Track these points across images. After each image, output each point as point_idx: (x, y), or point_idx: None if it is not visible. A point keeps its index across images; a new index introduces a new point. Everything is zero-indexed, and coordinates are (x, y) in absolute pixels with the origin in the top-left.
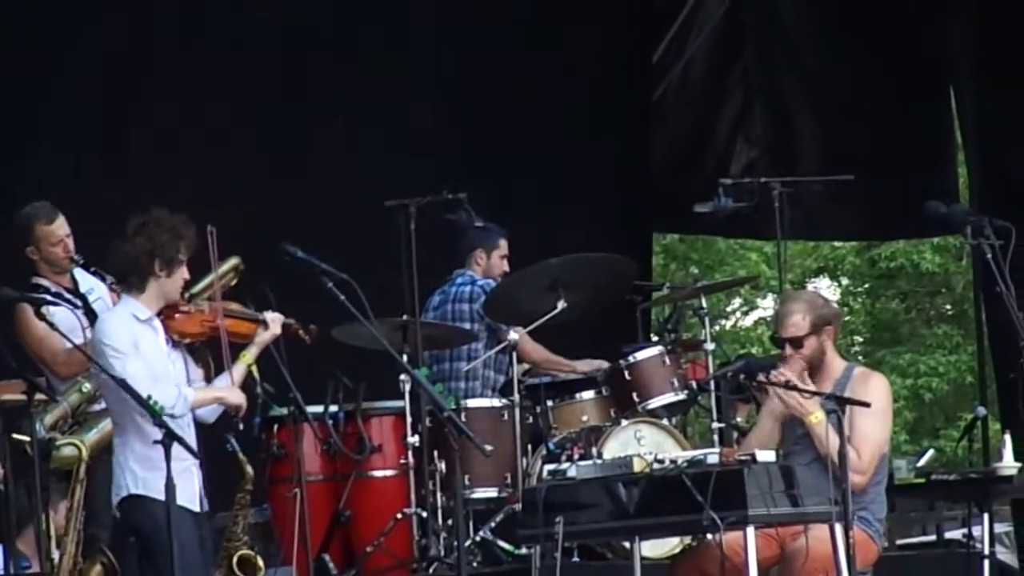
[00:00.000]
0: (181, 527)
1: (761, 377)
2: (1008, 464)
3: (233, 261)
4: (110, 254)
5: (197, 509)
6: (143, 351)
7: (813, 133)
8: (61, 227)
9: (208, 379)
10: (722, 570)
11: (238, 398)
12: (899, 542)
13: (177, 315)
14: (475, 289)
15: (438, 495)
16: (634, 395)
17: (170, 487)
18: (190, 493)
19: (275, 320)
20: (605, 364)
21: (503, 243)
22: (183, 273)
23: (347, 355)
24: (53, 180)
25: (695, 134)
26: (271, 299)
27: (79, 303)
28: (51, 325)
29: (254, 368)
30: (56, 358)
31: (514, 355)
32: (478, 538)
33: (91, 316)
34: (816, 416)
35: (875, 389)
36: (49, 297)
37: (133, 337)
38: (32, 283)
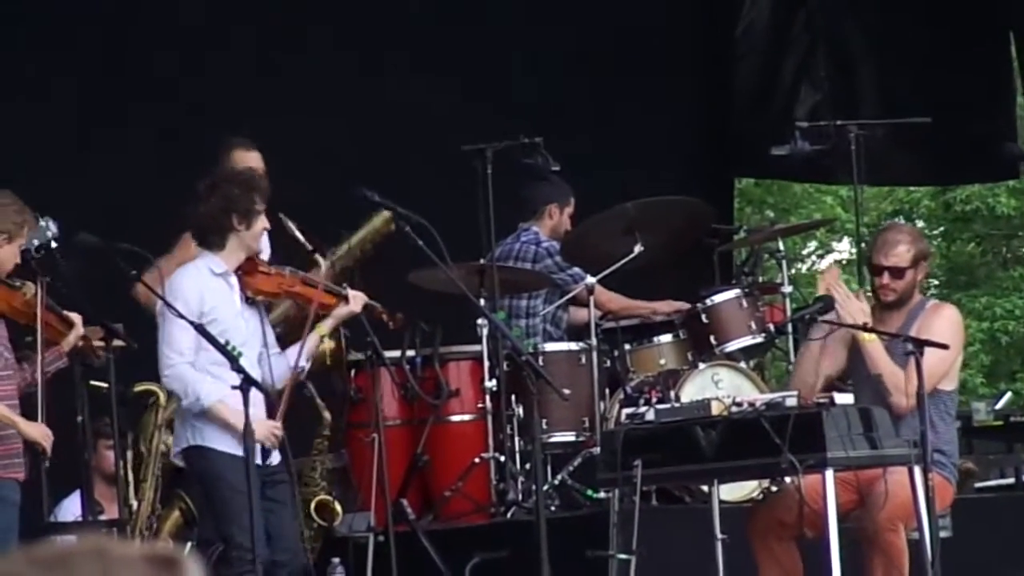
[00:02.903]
0: (238, 475)
1: (837, 318)
2: None
3: (384, 215)
4: (186, 220)
5: (258, 461)
6: (212, 304)
7: (875, 78)
8: (256, 159)
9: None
10: (800, 515)
11: (260, 434)
12: (977, 485)
13: (257, 273)
14: (539, 250)
15: (516, 439)
16: (712, 338)
17: (248, 430)
18: (238, 441)
19: (356, 298)
20: (684, 305)
21: (573, 202)
22: (262, 223)
23: (424, 300)
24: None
25: (762, 79)
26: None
27: None
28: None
29: (328, 343)
30: None
31: (591, 301)
32: (556, 482)
33: None
34: (870, 335)
35: (943, 320)
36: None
37: (201, 294)
38: None
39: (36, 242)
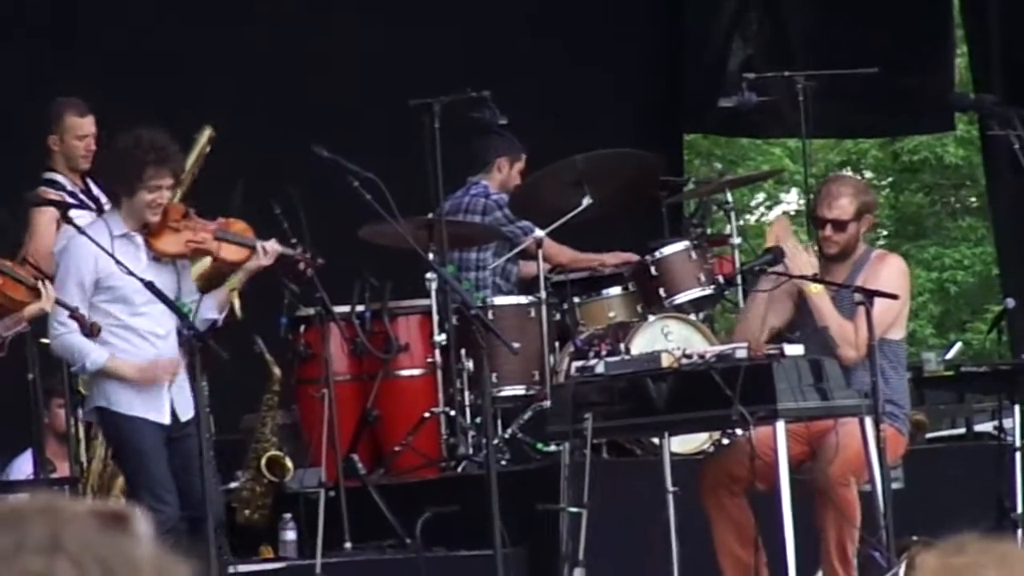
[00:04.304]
0: (143, 438)
1: (785, 270)
2: None
3: (207, 132)
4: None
5: (166, 422)
6: (107, 269)
7: (808, 30)
8: (90, 124)
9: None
10: (751, 468)
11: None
12: (928, 435)
13: (164, 232)
14: (488, 203)
15: (466, 393)
16: (661, 290)
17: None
18: (158, 405)
19: (270, 251)
20: (634, 257)
21: (523, 157)
22: (149, 195)
23: (373, 255)
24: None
25: (701, 32)
26: (294, 200)
27: (93, 207)
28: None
29: (236, 299)
30: None
31: (540, 254)
32: (506, 436)
33: None
34: (815, 287)
35: (890, 269)
36: (72, 200)
37: (95, 260)
38: (45, 177)
39: None
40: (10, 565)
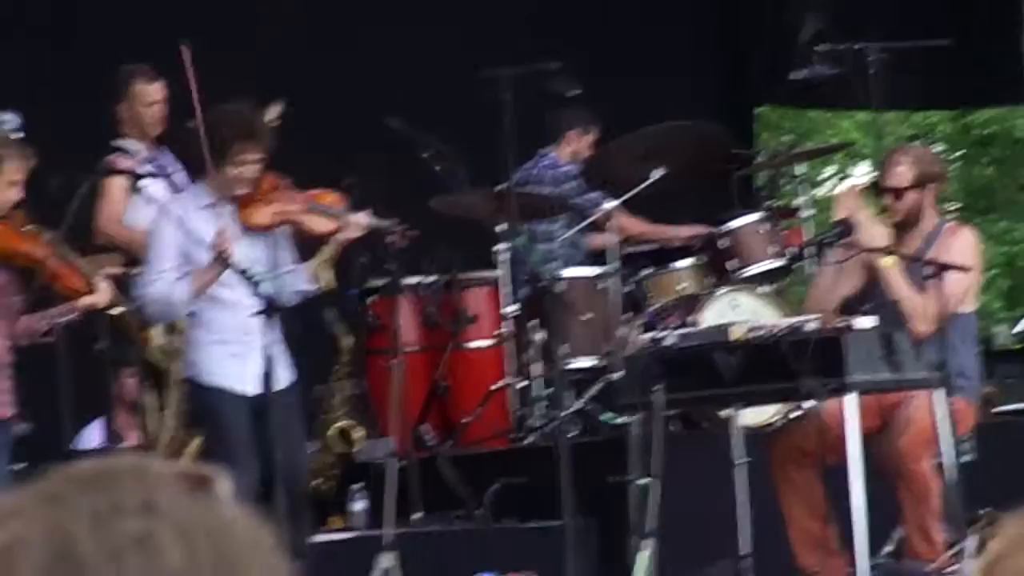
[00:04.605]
0: (224, 409)
1: (855, 241)
2: None
3: (279, 106)
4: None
5: (249, 392)
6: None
7: (880, 2)
8: (159, 90)
9: None
10: (821, 442)
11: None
12: (997, 409)
13: (254, 204)
14: (559, 175)
15: (536, 365)
16: (731, 263)
17: (270, 361)
18: (239, 375)
19: (357, 224)
20: (704, 229)
21: (595, 129)
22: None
23: (444, 226)
24: None
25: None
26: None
27: (164, 175)
28: (147, 198)
29: (327, 271)
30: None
31: (610, 226)
32: (576, 408)
33: (175, 191)
34: (887, 259)
35: (961, 242)
36: (147, 168)
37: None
38: (115, 144)
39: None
40: (106, 527)
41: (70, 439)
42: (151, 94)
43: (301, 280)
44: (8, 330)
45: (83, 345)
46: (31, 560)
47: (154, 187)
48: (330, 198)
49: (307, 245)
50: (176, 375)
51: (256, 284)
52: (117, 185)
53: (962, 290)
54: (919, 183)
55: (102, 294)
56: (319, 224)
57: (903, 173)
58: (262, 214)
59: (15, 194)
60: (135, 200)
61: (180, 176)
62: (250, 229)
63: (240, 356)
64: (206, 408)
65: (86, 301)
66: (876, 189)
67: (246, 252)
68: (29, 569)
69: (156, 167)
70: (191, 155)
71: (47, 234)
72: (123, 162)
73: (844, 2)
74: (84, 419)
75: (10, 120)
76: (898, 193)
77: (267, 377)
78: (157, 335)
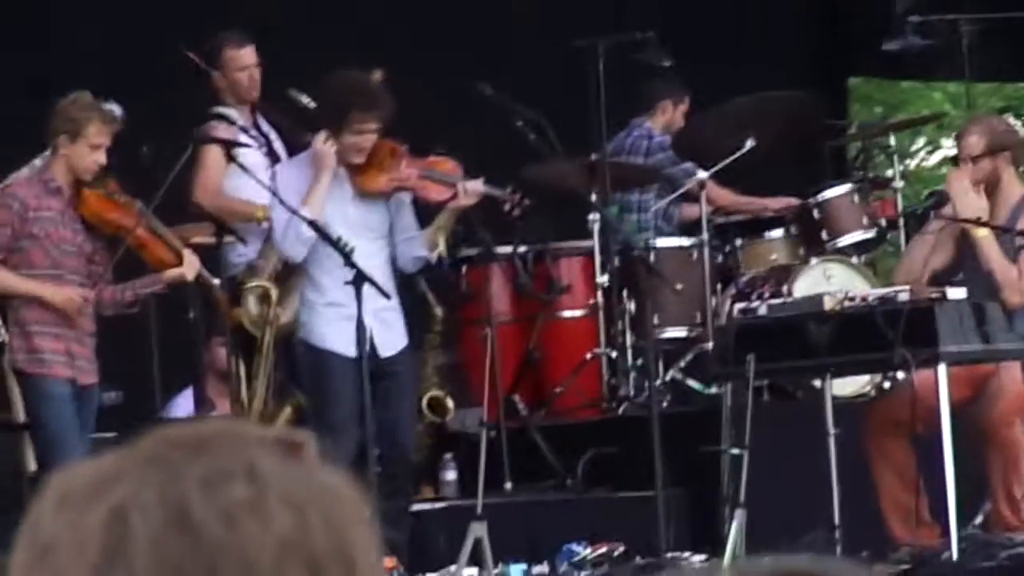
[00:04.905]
0: (330, 371)
1: (947, 211)
2: None
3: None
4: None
5: (351, 354)
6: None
7: None
8: (250, 55)
9: None
10: (914, 411)
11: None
12: None
13: (369, 170)
14: (651, 145)
15: (628, 335)
16: (823, 233)
17: (361, 328)
18: (349, 338)
19: (473, 191)
20: (796, 201)
21: (687, 99)
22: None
23: (537, 195)
24: None
25: None
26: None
27: (263, 142)
28: (243, 168)
29: (442, 239)
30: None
31: (702, 196)
32: (668, 378)
33: (273, 158)
34: (982, 230)
35: None
36: (243, 139)
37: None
38: (214, 111)
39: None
40: (217, 492)
41: (161, 408)
42: (242, 58)
43: (419, 247)
44: (93, 299)
45: (174, 314)
46: (146, 523)
47: (253, 155)
48: (447, 165)
49: (424, 213)
50: (267, 343)
51: (348, 254)
52: (214, 154)
53: None
54: (991, 151)
55: (189, 267)
56: (433, 191)
57: (975, 143)
58: (378, 180)
59: (100, 158)
60: (232, 169)
61: (278, 144)
62: (365, 194)
63: (349, 320)
64: (315, 370)
65: (172, 274)
66: (953, 161)
67: (363, 217)
68: (145, 531)
69: (255, 135)
70: (294, 123)
71: (137, 203)
72: (221, 130)
73: None
74: (175, 388)
75: (113, 110)
76: (972, 161)
77: (371, 342)
78: (250, 304)
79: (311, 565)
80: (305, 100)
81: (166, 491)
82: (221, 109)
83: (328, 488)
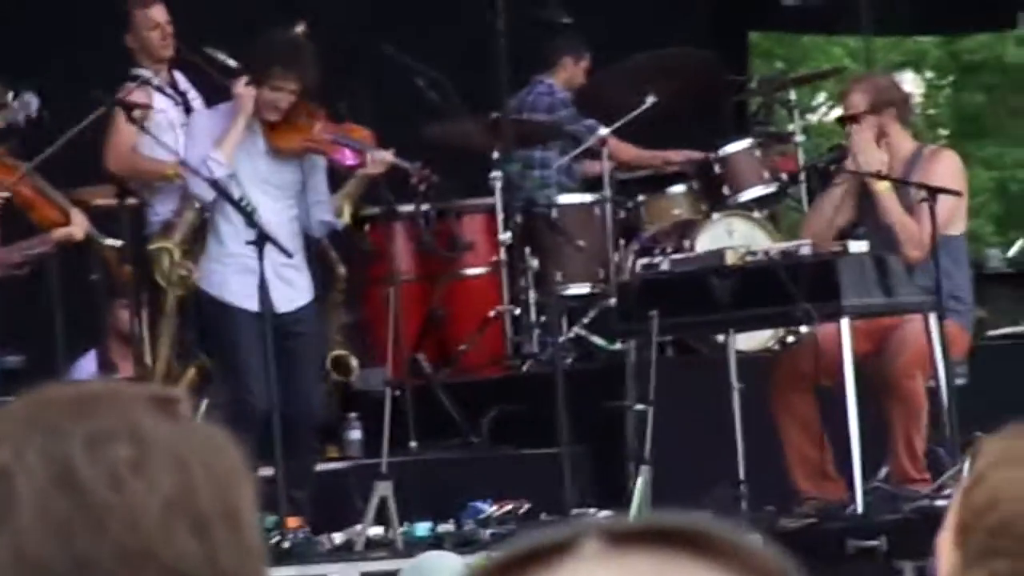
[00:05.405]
0: (236, 326)
1: (850, 165)
2: None
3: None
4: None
5: (255, 308)
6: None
7: None
8: (159, 12)
9: None
10: (817, 364)
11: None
12: (990, 332)
13: (284, 128)
14: (554, 101)
15: (531, 292)
16: (725, 188)
17: (264, 288)
18: (250, 291)
19: (382, 161)
20: (698, 154)
21: (588, 56)
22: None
23: (438, 153)
24: None
25: None
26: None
27: (179, 100)
28: (142, 128)
29: (347, 205)
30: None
31: (604, 152)
32: (572, 334)
33: (188, 114)
34: (883, 184)
35: (945, 164)
36: (159, 98)
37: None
38: (132, 73)
39: (22, 116)
40: (101, 452)
41: (63, 371)
42: (153, 17)
43: (326, 211)
44: None
45: (77, 276)
46: (31, 484)
47: (170, 114)
48: (361, 133)
49: (332, 180)
50: (171, 304)
51: (250, 214)
52: (123, 117)
53: (951, 213)
54: (874, 110)
55: (77, 227)
56: (345, 156)
57: (856, 102)
58: (291, 139)
59: None
60: (152, 127)
61: (198, 103)
62: (278, 152)
63: (253, 273)
64: (216, 323)
65: (60, 233)
66: (838, 121)
67: (273, 173)
68: (29, 492)
69: (170, 93)
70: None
71: (23, 165)
72: (134, 94)
73: None
74: (78, 351)
75: (31, 101)
76: (855, 121)
77: (266, 296)
78: (164, 263)
79: (197, 522)
80: (222, 57)
81: (50, 452)
82: (136, 70)
83: (210, 445)
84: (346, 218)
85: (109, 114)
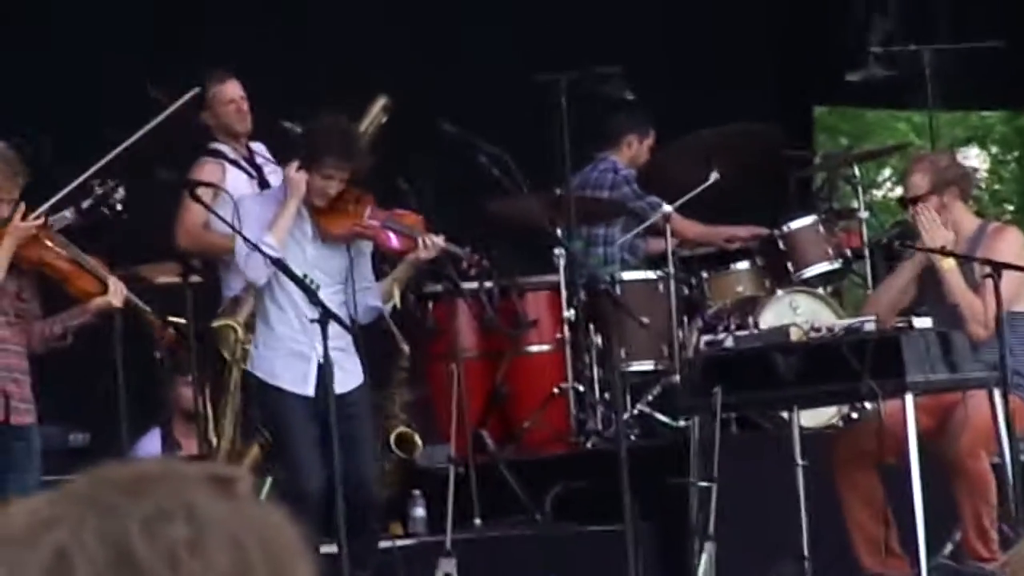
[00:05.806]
0: (288, 410)
1: (920, 245)
2: None
3: (381, 101)
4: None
5: (308, 393)
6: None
7: (947, 4)
8: (234, 88)
9: None
10: (881, 441)
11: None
12: None
13: (333, 213)
14: (616, 178)
15: (595, 369)
16: (789, 265)
17: (328, 364)
18: (299, 376)
19: (433, 246)
20: (762, 230)
21: (653, 133)
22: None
23: (501, 231)
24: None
25: (836, 6)
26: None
27: (254, 173)
28: (207, 207)
29: (398, 290)
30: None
31: (668, 229)
32: (636, 411)
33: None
34: (948, 262)
35: (1007, 242)
36: (232, 172)
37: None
38: (210, 148)
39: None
40: (158, 532)
41: (128, 449)
42: (227, 92)
43: (374, 297)
44: (23, 338)
45: (141, 354)
46: (90, 565)
47: (245, 187)
48: (410, 219)
49: (382, 263)
50: (234, 381)
51: (314, 292)
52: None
53: (1016, 289)
54: (935, 190)
55: (115, 295)
56: (395, 242)
57: (917, 182)
58: (340, 224)
59: (3, 211)
60: (218, 206)
61: (274, 177)
62: (326, 237)
63: (302, 357)
64: (269, 407)
65: (99, 302)
66: (900, 203)
67: (321, 258)
68: (89, 574)
69: (246, 168)
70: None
71: (57, 237)
72: (210, 172)
73: (903, 4)
74: (142, 429)
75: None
76: (916, 201)
77: (326, 381)
78: (229, 340)
79: None
80: (298, 131)
81: (107, 532)
82: (213, 144)
83: (267, 524)
84: (396, 302)
85: (181, 194)
